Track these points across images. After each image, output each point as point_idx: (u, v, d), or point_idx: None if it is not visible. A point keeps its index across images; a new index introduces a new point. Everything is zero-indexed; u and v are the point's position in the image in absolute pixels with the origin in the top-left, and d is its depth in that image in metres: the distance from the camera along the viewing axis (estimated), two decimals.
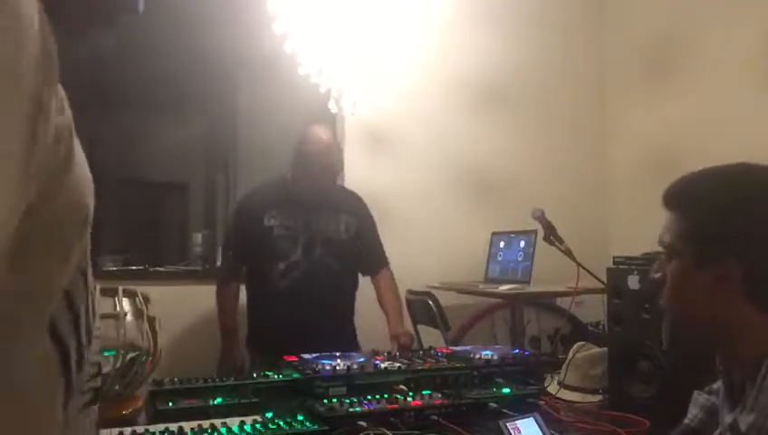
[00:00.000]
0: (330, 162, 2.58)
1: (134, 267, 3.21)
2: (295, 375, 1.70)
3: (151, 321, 1.67)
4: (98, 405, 0.57)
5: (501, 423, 1.33)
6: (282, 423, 1.41)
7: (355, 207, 2.75)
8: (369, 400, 1.54)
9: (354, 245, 2.67)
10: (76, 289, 0.55)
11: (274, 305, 2.55)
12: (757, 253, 0.97)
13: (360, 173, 3.19)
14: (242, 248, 2.64)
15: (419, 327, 3.15)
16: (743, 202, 1.00)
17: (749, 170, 1.05)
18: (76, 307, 0.53)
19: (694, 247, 1.02)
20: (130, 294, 1.67)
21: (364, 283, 2.95)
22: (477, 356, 1.92)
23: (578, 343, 1.95)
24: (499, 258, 3.18)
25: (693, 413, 1.28)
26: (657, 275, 1.08)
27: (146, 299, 1.69)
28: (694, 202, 1.05)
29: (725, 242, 0.99)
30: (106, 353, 1.54)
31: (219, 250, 3.62)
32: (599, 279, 2.02)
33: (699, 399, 1.29)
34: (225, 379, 1.72)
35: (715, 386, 1.24)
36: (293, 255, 2.55)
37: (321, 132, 2.63)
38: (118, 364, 1.55)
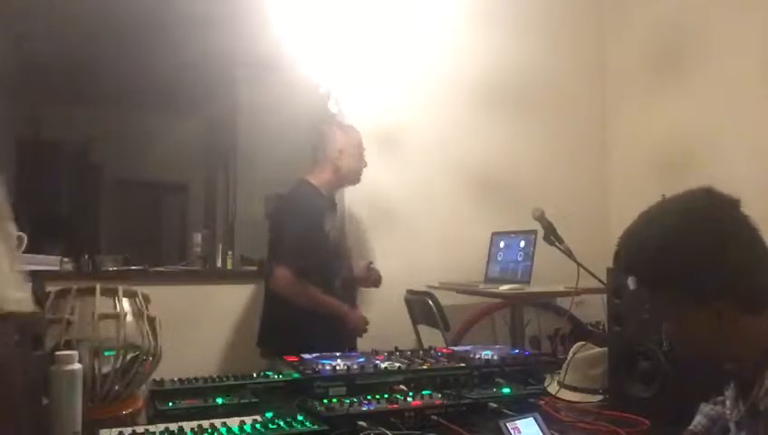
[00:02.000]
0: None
1: (134, 267, 3.21)
2: (295, 375, 1.70)
3: (151, 321, 1.67)
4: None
5: (501, 423, 1.33)
6: (282, 423, 1.41)
7: None
8: (369, 400, 1.54)
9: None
10: None
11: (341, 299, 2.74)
12: (728, 280, 1.01)
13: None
14: (313, 255, 2.64)
15: (419, 327, 3.15)
16: (682, 243, 1.03)
17: (677, 207, 1.09)
18: None
19: (673, 307, 1.07)
20: (130, 294, 1.66)
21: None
22: (477, 356, 1.92)
23: (578, 343, 1.94)
24: (499, 258, 3.17)
25: (697, 420, 1.32)
26: (667, 335, 1.14)
27: (146, 299, 1.69)
28: (643, 266, 1.09)
29: (693, 287, 1.03)
30: (106, 353, 1.54)
31: (219, 249, 3.62)
32: (599, 279, 2.02)
33: (704, 408, 1.33)
34: (225, 379, 1.72)
35: (720, 398, 1.26)
36: (341, 254, 2.84)
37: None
38: (118, 364, 1.55)
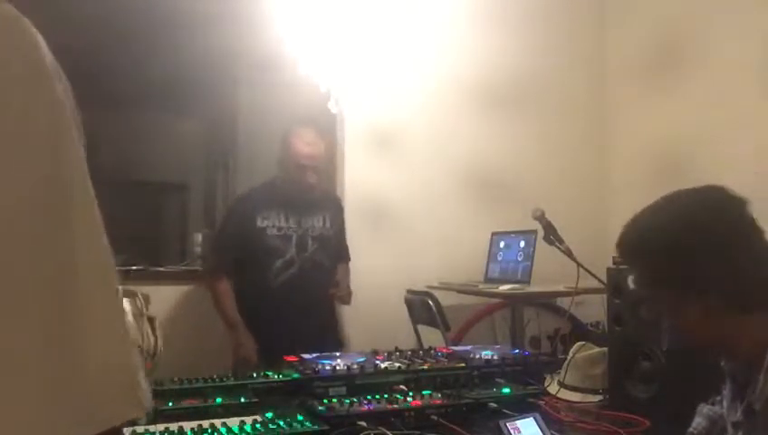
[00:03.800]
0: (318, 159, 2.69)
1: (134, 267, 3.21)
2: (295, 375, 1.70)
3: (151, 321, 1.67)
4: None
5: (501, 423, 1.33)
6: (282, 423, 1.41)
7: (333, 204, 2.91)
8: (369, 400, 1.54)
9: (336, 239, 2.84)
10: None
11: (271, 302, 2.63)
12: (718, 271, 1.02)
13: (361, 173, 3.19)
14: (235, 250, 2.70)
15: (419, 327, 3.15)
16: (685, 235, 1.05)
17: (680, 200, 1.10)
18: None
19: (667, 293, 1.08)
20: (130, 294, 1.66)
21: (361, 284, 2.97)
22: (477, 356, 1.92)
23: (578, 343, 1.95)
24: (499, 258, 3.18)
25: (697, 422, 1.31)
26: (653, 317, 1.15)
27: (146, 299, 1.69)
28: (643, 253, 1.10)
29: (693, 279, 1.04)
30: None
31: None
32: (599, 279, 2.02)
33: (703, 409, 1.33)
34: (225, 379, 1.72)
35: (718, 398, 1.26)
36: (288, 252, 2.67)
37: (305, 129, 2.73)
38: None
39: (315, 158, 2.67)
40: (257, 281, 2.66)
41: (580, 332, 2.69)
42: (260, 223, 2.67)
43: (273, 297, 2.63)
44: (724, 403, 1.16)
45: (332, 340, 2.72)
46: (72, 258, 0.53)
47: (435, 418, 1.49)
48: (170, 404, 1.56)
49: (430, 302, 2.98)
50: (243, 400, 1.61)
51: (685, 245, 1.04)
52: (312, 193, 2.72)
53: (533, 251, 2.91)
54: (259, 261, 2.66)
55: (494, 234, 3.23)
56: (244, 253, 2.68)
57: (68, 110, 0.58)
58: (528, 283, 2.90)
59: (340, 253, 2.91)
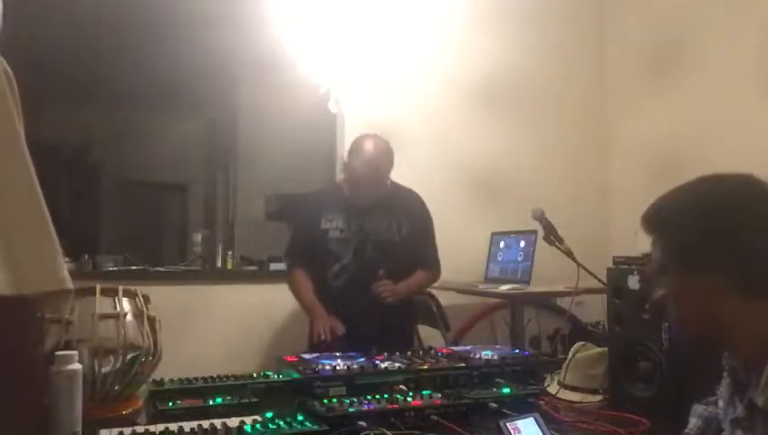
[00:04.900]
0: (375, 177, 2.64)
1: (134, 267, 3.21)
2: (295, 375, 1.70)
3: (151, 321, 1.67)
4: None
5: (501, 423, 1.33)
6: (282, 423, 1.41)
7: (408, 207, 2.78)
8: (369, 400, 1.54)
9: (407, 245, 2.71)
10: None
11: (329, 304, 2.63)
12: (740, 253, 1.01)
13: None
14: (305, 247, 2.74)
15: (419, 327, 3.15)
16: (715, 212, 1.04)
17: (716, 180, 1.10)
18: None
19: (680, 263, 1.07)
20: (130, 295, 1.66)
21: None
22: (477, 356, 1.91)
23: (578, 343, 1.94)
24: (499, 258, 3.18)
25: (692, 423, 1.31)
26: (659, 295, 1.12)
27: (146, 299, 1.69)
28: (670, 221, 1.09)
29: (709, 251, 1.03)
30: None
31: (219, 249, 3.63)
32: (599, 279, 2.02)
33: (698, 409, 1.32)
34: (225, 379, 1.72)
35: (712, 398, 1.26)
36: (345, 257, 2.65)
37: (367, 145, 2.66)
38: (118, 364, 1.55)
39: (377, 176, 2.64)
40: (319, 280, 2.69)
41: (580, 332, 2.68)
42: (324, 225, 2.68)
43: (330, 299, 2.65)
44: (720, 403, 1.15)
45: (396, 344, 2.41)
46: None
47: (435, 418, 1.49)
48: (170, 404, 1.56)
49: (430, 302, 2.98)
50: (243, 400, 1.61)
51: (707, 216, 1.04)
52: (381, 199, 2.67)
53: (533, 251, 2.92)
54: (320, 262, 2.69)
55: (494, 234, 3.23)
56: (311, 251, 2.71)
57: None
58: (528, 283, 2.91)
59: (415, 259, 2.77)
